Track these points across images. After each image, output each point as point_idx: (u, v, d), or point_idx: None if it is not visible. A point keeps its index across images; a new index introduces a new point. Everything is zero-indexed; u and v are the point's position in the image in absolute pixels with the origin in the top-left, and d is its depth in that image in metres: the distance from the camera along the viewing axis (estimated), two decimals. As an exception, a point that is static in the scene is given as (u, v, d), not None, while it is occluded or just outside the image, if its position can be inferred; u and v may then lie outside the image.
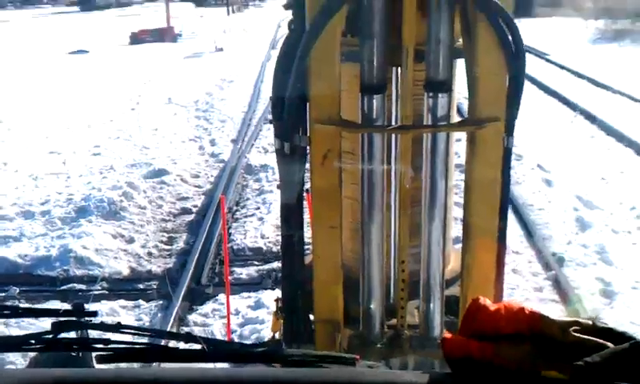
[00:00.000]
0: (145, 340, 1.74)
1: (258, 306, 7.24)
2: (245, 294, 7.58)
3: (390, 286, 2.87)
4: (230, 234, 9.43)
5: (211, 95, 19.93)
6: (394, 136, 2.65)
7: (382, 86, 2.55)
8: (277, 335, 3.98)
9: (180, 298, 7.37)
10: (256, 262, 8.54)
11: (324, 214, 2.60)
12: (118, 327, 1.71)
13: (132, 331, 1.74)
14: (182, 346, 1.80)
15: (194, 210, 10.54)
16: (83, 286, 8.05)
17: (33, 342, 1.64)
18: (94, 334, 1.86)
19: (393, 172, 2.68)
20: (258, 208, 10.27)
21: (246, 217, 10.03)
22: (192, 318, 7.16)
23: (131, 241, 9.21)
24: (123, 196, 10.46)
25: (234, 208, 10.54)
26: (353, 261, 2.82)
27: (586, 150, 12.72)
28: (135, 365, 1.89)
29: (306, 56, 2.49)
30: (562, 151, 12.53)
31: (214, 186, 11.51)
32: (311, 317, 2.83)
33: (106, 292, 7.92)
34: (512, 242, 8.11)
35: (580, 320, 1.25)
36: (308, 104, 2.55)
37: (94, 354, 1.69)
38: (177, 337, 1.91)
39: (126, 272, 8.39)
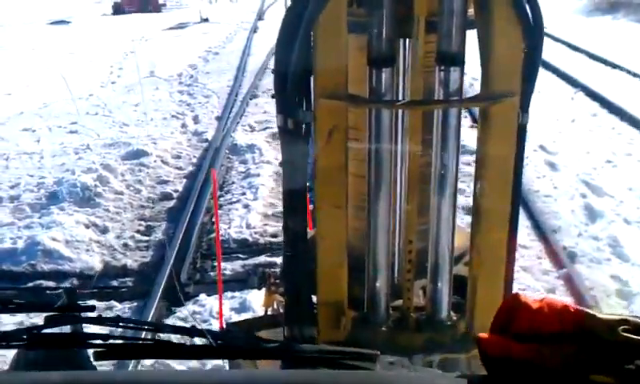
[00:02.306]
0: (146, 335, 1.68)
1: (243, 308, 6.57)
2: (228, 294, 6.89)
3: (396, 266, 2.83)
4: (212, 223, 8.72)
5: (195, 68, 19.14)
6: (402, 111, 2.57)
7: (390, 59, 2.47)
8: (269, 311, 3.94)
9: (156, 299, 6.67)
10: (241, 256, 7.84)
11: (329, 193, 2.54)
12: (116, 320, 1.67)
13: (132, 325, 1.69)
14: (186, 340, 1.71)
15: (175, 195, 9.81)
16: (51, 283, 7.34)
17: (23, 337, 1.56)
18: (88, 329, 1.74)
19: (401, 148, 2.62)
20: (244, 194, 9.55)
21: (230, 203, 9.32)
22: (170, 322, 6.47)
23: (105, 231, 8.49)
24: (98, 180, 9.71)
25: (218, 193, 9.81)
26: (356, 240, 2.76)
27: (590, 129, 12.09)
28: (135, 362, 1.70)
29: (311, 26, 2.40)
30: (564, 131, 11.89)
31: (197, 168, 10.78)
32: (314, 298, 2.77)
33: (76, 290, 7.21)
34: (519, 233, 7.43)
35: (629, 318, 1.19)
36: (313, 77, 2.46)
37: (90, 352, 1.59)
38: (181, 331, 1.80)
39: (98, 267, 7.68)
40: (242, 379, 1.42)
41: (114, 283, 7.38)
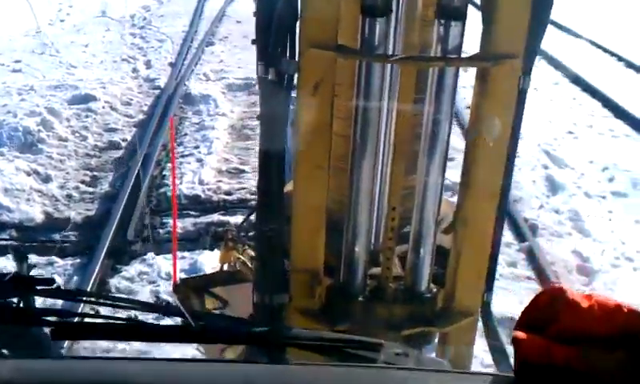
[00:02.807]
0: (113, 312, 1.50)
1: (194, 269, 6.19)
2: (179, 254, 6.50)
3: (373, 233, 2.71)
4: (163, 177, 8.31)
5: (149, 10, 18.33)
6: (394, 67, 2.42)
7: (386, 8, 2.29)
8: (225, 267, 3.83)
9: (101, 257, 6.27)
10: (193, 214, 7.45)
11: (310, 151, 2.39)
12: (78, 294, 1.77)
13: (95, 301, 1.65)
14: (159, 320, 1.53)
15: (124, 144, 9.32)
16: (-13, 234, 6.87)
17: None
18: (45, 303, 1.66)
19: (389, 108, 2.51)
20: (197, 147, 9.12)
21: (182, 157, 8.88)
22: (114, 282, 6.09)
23: (48, 180, 7.99)
24: (42, 124, 9.15)
25: (169, 146, 9.36)
26: (334, 204, 2.64)
27: (551, 98, 11.94)
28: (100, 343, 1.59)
29: None
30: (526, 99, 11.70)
31: (148, 116, 10.27)
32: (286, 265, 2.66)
33: (15, 243, 6.76)
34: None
35: None
36: (299, 23, 2.29)
37: (47, 330, 1.44)
38: (155, 309, 1.71)
39: (39, 219, 7.22)
40: (244, 373, 1.24)
41: (56, 237, 6.92)
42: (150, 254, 6.51)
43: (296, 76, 2.36)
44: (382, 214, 2.73)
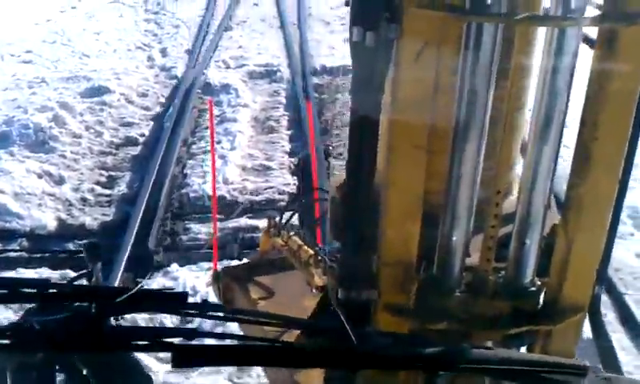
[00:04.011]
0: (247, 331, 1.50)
1: (221, 283, 5.62)
2: (204, 265, 5.96)
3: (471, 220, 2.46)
4: (184, 176, 7.73)
5: (163, -6, 17.75)
6: (505, 30, 2.13)
7: None
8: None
9: (120, 270, 5.71)
10: (217, 217, 6.85)
11: (408, 129, 2.20)
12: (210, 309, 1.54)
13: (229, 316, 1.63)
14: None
15: (141, 139, 8.75)
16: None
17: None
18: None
19: (499, 79, 2.19)
20: (219, 142, 8.51)
21: (204, 153, 8.29)
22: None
23: (61, 182, 7.44)
24: (54, 120, 8.59)
25: (189, 139, 8.78)
26: (429, 190, 2.41)
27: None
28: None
29: None
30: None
31: (165, 108, 9.70)
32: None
33: (25, 254, 6.22)
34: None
35: None
36: None
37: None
38: (306, 326, 1.56)
39: (52, 226, 6.66)
40: None
41: (70, 247, 6.36)
42: (174, 265, 5.96)
43: (396, 42, 2.11)
44: (483, 199, 2.47)
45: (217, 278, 3.66)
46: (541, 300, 2.47)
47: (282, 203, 6.99)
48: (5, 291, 1.53)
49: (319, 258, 3.09)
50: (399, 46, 2.12)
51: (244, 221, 6.73)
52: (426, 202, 2.34)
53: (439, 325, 2.38)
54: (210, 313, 1.63)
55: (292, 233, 3.48)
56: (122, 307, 1.49)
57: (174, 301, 1.52)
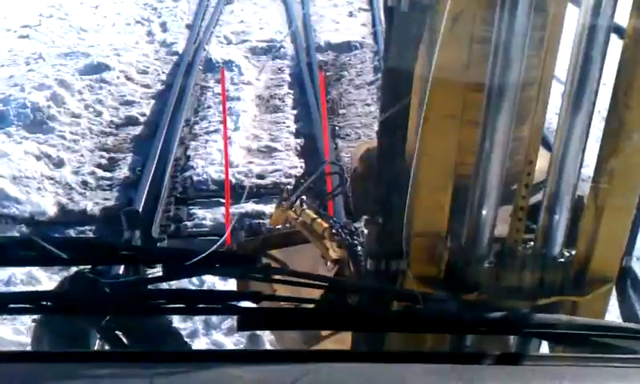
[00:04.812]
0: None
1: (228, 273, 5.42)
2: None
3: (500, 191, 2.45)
4: (187, 159, 7.50)
5: (162, -34, 17.37)
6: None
7: None
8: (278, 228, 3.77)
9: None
10: (223, 201, 6.64)
11: (441, 98, 2.12)
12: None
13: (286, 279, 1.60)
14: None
15: (142, 119, 8.51)
16: (-6, 230, 6.11)
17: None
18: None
19: (533, 45, 2.14)
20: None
21: (207, 133, 8.06)
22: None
23: (60, 164, 7.20)
24: (52, 99, 8.33)
25: (192, 119, 8.53)
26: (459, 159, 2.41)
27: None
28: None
29: None
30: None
31: (167, 86, 9.44)
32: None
33: (25, 239, 6.00)
34: None
35: None
36: None
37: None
38: (367, 289, 1.68)
39: (52, 211, 6.44)
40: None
41: (71, 233, 6.15)
42: (179, 254, 5.74)
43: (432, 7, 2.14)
44: (514, 170, 2.46)
45: None
46: (571, 271, 2.46)
47: (289, 187, 6.78)
48: (66, 253, 1.51)
49: (334, 231, 3.09)
50: (435, 11, 2.10)
51: (250, 206, 6.51)
52: (456, 171, 2.34)
53: (468, 295, 2.36)
54: (277, 276, 1.70)
55: (305, 206, 3.46)
56: (190, 270, 1.55)
57: (242, 263, 1.57)
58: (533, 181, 2.43)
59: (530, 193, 2.42)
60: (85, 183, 6.95)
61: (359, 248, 2.96)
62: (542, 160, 2.52)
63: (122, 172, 7.21)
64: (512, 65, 2.16)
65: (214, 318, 4.83)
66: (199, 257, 1.49)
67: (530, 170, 2.41)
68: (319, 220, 3.23)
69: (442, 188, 2.35)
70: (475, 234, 2.42)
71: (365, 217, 3.06)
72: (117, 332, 1.86)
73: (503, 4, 2.08)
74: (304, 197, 3.61)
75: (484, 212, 2.37)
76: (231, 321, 4.62)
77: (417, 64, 2.26)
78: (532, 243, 2.49)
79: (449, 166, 2.31)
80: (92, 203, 6.58)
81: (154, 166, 7.03)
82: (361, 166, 3.03)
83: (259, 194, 6.76)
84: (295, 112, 8.71)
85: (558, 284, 2.46)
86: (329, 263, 3.11)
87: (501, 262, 2.45)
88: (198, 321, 4.84)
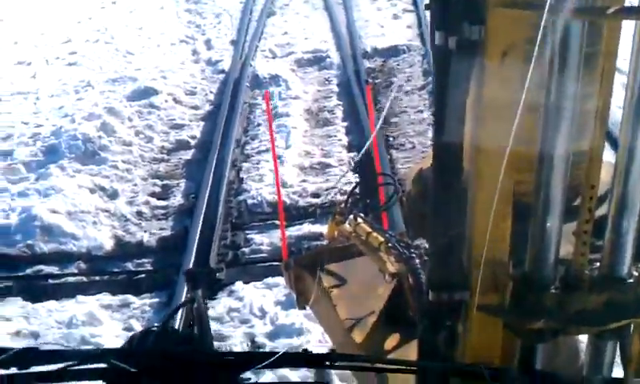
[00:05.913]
0: None
1: (290, 302, 5.27)
2: (270, 281, 5.63)
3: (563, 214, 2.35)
4: (240, 181, 7.40)
5: (202, -18, 17.41)
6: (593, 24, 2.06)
7: None
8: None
9: (183, 292, 5.41)
10: (278, 224, 6.51)
11: (496, 128, 2.14)
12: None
13: None
14: None
15: (193, 142, 8.45)
16: (55, 269, 6.10)
17: None
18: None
19: (587, 71, 2.09)
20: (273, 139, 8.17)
21: (259, 153, 7.95)
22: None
23: (114, 196, 7.18)
24: (102, 129, 8.33)
25: (242, 139, 8.44)
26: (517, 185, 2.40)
27: None
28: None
29: None
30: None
31: (215, 106, 9.36)
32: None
33: (84, 279, 5.98)
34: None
35: None
36: None
37: None
38: None
39: (108, 245, 6.41)
40: None
41: (129, 266, 6.10)
42: (239, 283, 5.64)
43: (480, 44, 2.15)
44: (574, 183, 2.40)
45: (287, 268, 3.72)
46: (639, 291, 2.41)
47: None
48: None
49: (390, 244, 3.07)
50: (484, 47, 2.12)
51: (307, 227, 6.36)
52: (515, 198, 2.35)
53: (536, 323, 2.33)
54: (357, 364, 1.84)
55: (359, 219, 3.45)
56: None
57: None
58: (594, 205, 2.37)
59: (593, 216, 2.35)
60: (139, 214, 6.91)
61: (417, 261, 2.95)
62: (604, 171, 2.46)
63: (176, 199, 7.16)
64: (568, 81, 2.12)
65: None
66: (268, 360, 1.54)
67: (593, 194, 2.36)
68: (374, 234, 3.22)
69: (500, 215, 2.33)
70: (539, 260, 2.38)
71: (421, 240, 3.09)
72: None
73: (554, 35, 2.06)
74: (358, 210, 3.65)
75: (547, 237, 2.33)
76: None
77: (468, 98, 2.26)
78: (598, 264, 2.43)
79: (508, 193, 2.31)
80: (148, 234, 6.53)
81: (207, 192, 6.95)
82: (414, 189, 3.02)
83: (315, 213, 6.61)
84: (346, 124, 8.55)
85: (627, 306, 2.40)
86: (387, 277, 3.11)
87: (567, 286, 2.40)
88: None
